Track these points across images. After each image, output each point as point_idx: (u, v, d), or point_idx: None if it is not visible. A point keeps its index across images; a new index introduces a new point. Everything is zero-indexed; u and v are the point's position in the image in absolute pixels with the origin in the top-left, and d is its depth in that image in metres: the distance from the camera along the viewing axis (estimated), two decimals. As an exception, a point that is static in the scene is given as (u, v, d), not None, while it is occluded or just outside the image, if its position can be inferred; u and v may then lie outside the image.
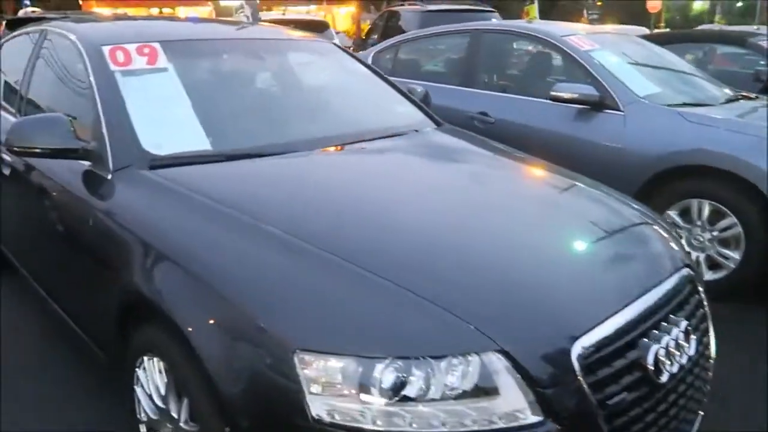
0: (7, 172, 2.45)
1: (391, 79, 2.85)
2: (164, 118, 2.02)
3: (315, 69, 2.68)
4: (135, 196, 1.76)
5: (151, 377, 1.57)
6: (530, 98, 3.69)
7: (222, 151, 1.95)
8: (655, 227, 1.85)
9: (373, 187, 1.84)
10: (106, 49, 2.13)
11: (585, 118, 3.38)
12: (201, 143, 1.96)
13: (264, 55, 2.53)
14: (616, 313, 1.37)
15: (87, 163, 1.92)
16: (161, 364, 1.52)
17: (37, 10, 8.89)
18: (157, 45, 2.21)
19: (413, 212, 1.66)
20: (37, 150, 1.87)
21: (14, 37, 3.00)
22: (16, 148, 1.88)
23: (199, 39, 2.45)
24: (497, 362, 1.20)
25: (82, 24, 2.45)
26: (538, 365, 1.22)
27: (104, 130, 1.89)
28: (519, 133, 3.55)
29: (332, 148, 2.10)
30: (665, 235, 1.83)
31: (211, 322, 1.34)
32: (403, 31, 8.75)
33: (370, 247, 1.44)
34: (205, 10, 28.24)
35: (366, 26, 21.31)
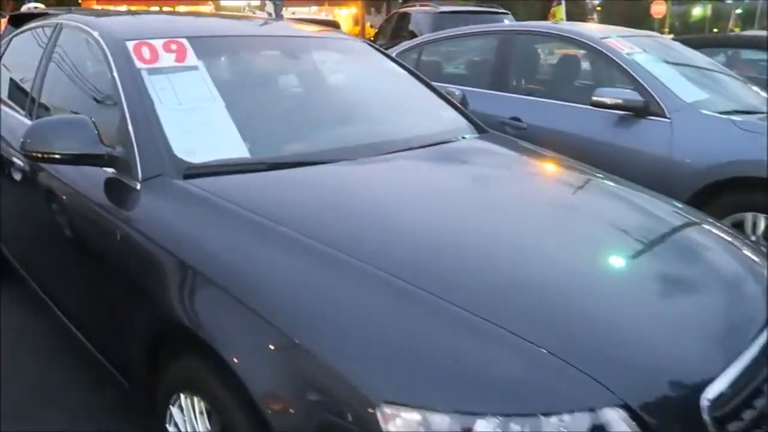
0: (18, 177, 2.25)
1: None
2: (196, 121, 1.83)
3: (353, 69, 2.48)
4: (168, 209, 1.56)
5: (189, 419, 1.37)
6: (566, 103, 3.51)
7: (262, 159, 1.75)
8: (748, 251, 1.67)
9: (434, 205, 1.63)
10: (130, 45, 1.94)
11: (627, 124, 3.19)
12: (238, 150, 1.76)
13: (298, 53, 2.34)
14: (736, 357, 1.18)
15: (110, 170, 1.73)
16: (202, 404, 1.33)
17: (41, 6, 8.67)
18: (184, 41, 2.01)
19: (482, 236, 1.46)
20: (57, 156, 1.67)
21: (24, 31, 2.79)
22: (33, 154, 1.69)
23: (228, 35, 2.25)
24: (617, 418, 1.01)
25: (102, 18, 2.25)
26: (663, 421, 1.03)
27: (132, 135, 1.70)
28: (554, 140, 3.35)
29: (378, 157, 1.90)
30: (757, 258, 1.65)
31: (267, 361, 1.15)
32: (414, 33, 8.62)
33: (451, 277, 1.24)
34: (205, 9, 28.10)
35: (371, 29, 21.19)
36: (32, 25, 2.71)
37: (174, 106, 1.81)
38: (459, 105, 2.54)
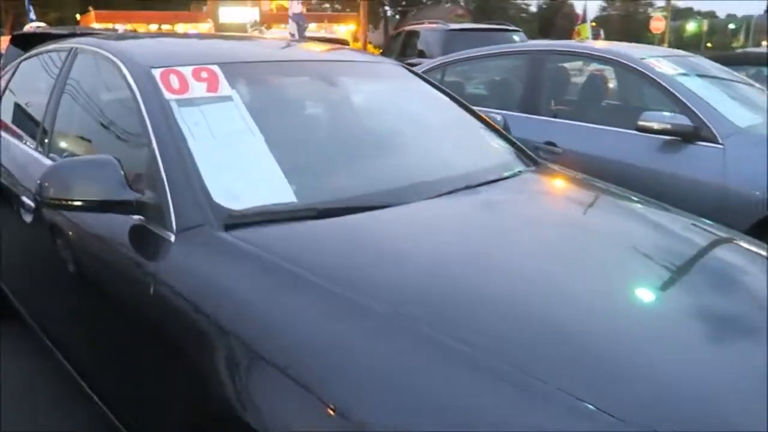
0: (28, 219, 2.03)
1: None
2: (234, 159, 1.62)
3: (395, 96, 2.28)
4: (209, 267, 1.34)
5: None
6: (605, 127, 3.31)
7: (310, 204, 1.53)
8: None
9: (507, 261, 1.40)
10: (157, 73, 1.73)
11: (674, 150, 3.00)
12: (283, 193, 1.54)
13: (337, 79, 2.13)
14: None
15: (138, 217, 1.51)
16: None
17: (43, 25, 8.52)
18: (216, 68, 1.81)
19: (567, 297, 1.24)
20: (79, 203, 1.46)
21: (35, 55, 2.59)
22: (52, 201, 1.47)
23: (262, 60, 2.05)
24: None
25: (121, 42, 2.05)
26: None
27: (164, 178, 1.48)
28: (592, 166, 3.14)
29: (434, 201, 1.67)
30: None
31: None
32: (423, 52, 8.46)
33: (546, 361, 1.02)
34: (205, 27, 28.10)
35: (373, 47, 21.12)
36: (43, 48, 2.51)
37: (208, 142, 1.60)
38: (507, 133, 2.34)
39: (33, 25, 8.68)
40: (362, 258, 1.35)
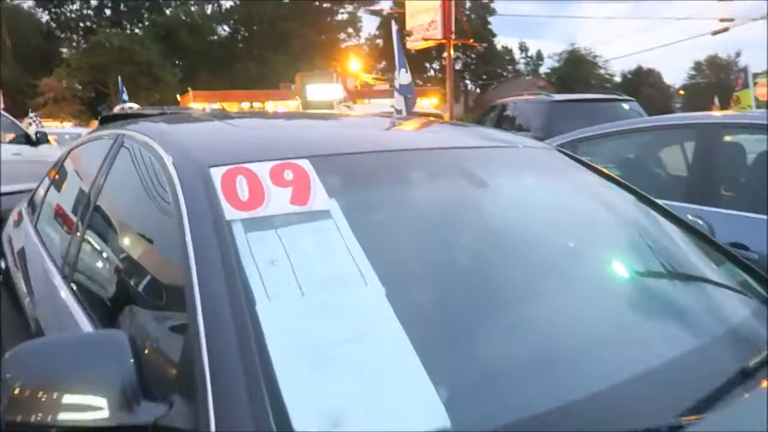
0: None
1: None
2: (337, 343, 0.89)
3: (564, 205, 1.46)
4: None
5: None
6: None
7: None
8: None
9: None
10: (217, 175, 1.09)
11: None
12: (427, 418, 0.80)
13: (491, 178, 1.36)
14: None
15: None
16: None
17: (135, 106, 8.55)
18: (305, 163, 1.14)
19: None
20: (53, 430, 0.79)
21: (87, 141, 2.08)
22: (12, 419, 0.81)
23: (374, 150, 1.36)
24: None
25: (179, 125, 1.46)
26: None
27: (207, 379, 0.79)
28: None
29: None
30: None
31: None
32: (522, 127, 7.73)
33: None
34: (293, 104, 29.16)
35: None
36: (94, 134, 2.00)
37: (293, 304, 0.90)
38: (740, 257, 1.50)
39: (126, 106, 8.77)
40: None
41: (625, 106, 7.71)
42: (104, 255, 1.40)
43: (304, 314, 0.89)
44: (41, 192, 2.25)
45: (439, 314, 0.99)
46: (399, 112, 5.92)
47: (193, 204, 1.04)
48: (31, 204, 2.37)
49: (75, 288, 1.42)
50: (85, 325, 1.23)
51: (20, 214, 2.44)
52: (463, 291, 1.04)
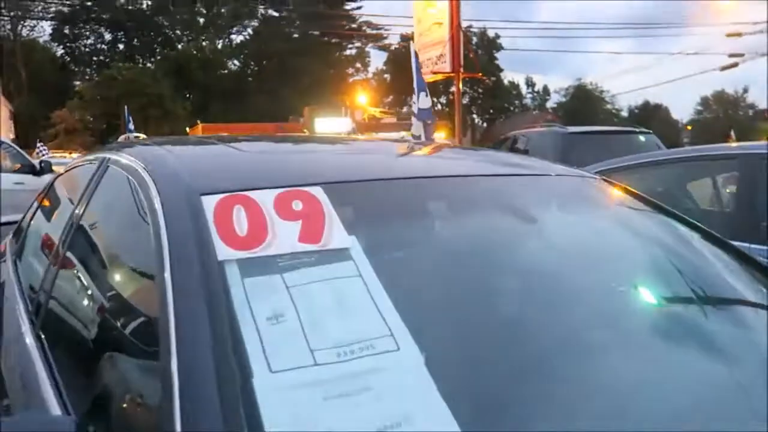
0: None
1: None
2: (360, 427, 0.66)
3: (627, 240, 1.25)
4: None
5: None
6: None
7: None
8: None
9: None
10: (209, 204, 0.88)
11: None
12: None
13: (533, 211, 1.15)
14: None
15: None
16: None
17: (142, 136, 8.47)
18: (317, 192, 0.93)
19: None
20: None
21: (75, 167, 1.89)
22: None
23: (399, 177, 1.15)
24: None
25: (165, 146, 1.25)
26: None
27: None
28: None
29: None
30: None
31: None
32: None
33: None
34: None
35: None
36: (80, 159, 1.80)
37: (302, 376, 0.68)
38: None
39: (131, 135, 8.68)
40: None
41: (642, 138, 7.52)
42: (76, 299, 1.18)
43: (317, 391, 0.66)
44: (26, 221, 2.06)
45: (493, 388, 0.76)
46: (417, 138, 5.59)
47: (177, 239, 0.83)
48: (16, 234, 2.17)
49: (43, 336, 1.20)
50: (46, 385, 1.01)
51: (5, 245, 2.24)
52: (522, 357, 0.81)
